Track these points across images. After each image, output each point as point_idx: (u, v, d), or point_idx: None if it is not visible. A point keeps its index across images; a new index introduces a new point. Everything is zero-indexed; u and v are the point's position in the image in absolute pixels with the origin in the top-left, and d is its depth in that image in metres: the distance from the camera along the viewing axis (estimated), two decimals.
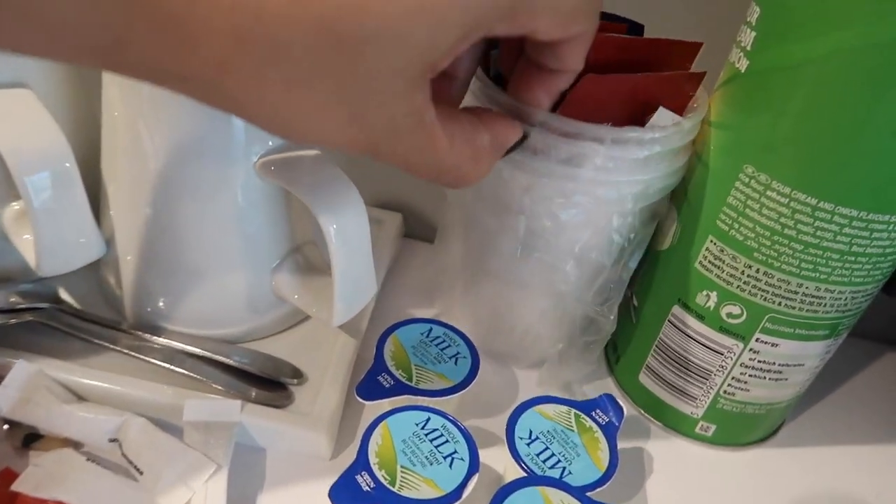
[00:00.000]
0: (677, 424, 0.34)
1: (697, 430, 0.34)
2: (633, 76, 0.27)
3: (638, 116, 0.28)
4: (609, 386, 0.37)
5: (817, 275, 0.28)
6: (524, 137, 0.25)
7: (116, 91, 0.29)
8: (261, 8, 0.16)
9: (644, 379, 0.35)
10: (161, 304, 0.33)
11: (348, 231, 0.29)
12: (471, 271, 0.36)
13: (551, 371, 0.36)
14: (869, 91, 0.23)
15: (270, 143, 0.30)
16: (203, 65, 0.17)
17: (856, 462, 0.35)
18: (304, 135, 0.20)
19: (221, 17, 0.16)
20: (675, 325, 0.32)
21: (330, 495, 0.25)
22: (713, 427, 0.34)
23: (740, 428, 0.34)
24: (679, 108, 0.29)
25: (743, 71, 0.27)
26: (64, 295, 0.34)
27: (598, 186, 0.29)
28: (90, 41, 0.17)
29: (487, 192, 0.31)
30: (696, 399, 0.33)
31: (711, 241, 0.29)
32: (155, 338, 0.33)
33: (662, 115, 0.28)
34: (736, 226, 0.28)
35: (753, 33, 0.27)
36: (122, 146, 0.30)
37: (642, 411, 0.35)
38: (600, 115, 0.27)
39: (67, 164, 0.29)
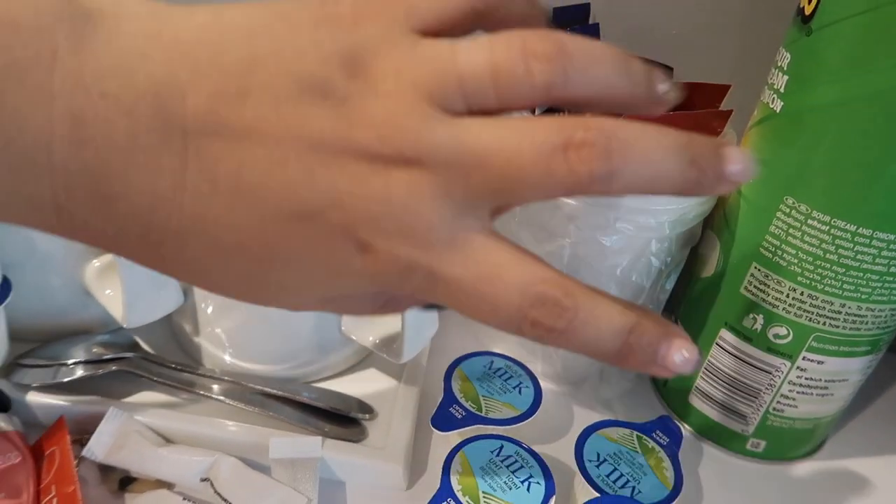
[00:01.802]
0: (729, 442, 0.36)
1: (748, 446, 0.36)
2: (664, 114, 0.30)
3: None
4: (659, 408, 0.39)
5: (859, 295, 0.30)
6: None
7: None
8: (181, 254, 0.17)
9: (694, 400, 0.37)
10: (236, 347, 0.35)
11: None
12: None
13: (593, 388, 0.38)
14: None
15: None
16: (140, 260, 0.18)
17: None
18: (270, 302, 0.20)
19: (146, 247, 0.17)
20: (723, 348, 0.34)
21: None
22: (763, 443, 0.35)
23: (789, 443, 0.36)
24: None
25: (778, 111, 0.30)
26: (141, 343, 0.36)
27: (638, 214, 0.31)
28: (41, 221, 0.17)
29: (534, 219, 0.34)
30: (747, 417, 0.35)
31: (755, 268, 0.32)
32: (230, 380, 0.34)
33: None
34: (779, 252, 0.30)
35: (785, 77, 0.29)
36: None
37: (694, 431, 0.37)
38: None
39: None
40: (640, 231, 0.32)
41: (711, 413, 0.36)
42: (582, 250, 0.33)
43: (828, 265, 0.29)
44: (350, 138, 0.16)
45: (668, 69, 0.35)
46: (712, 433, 0.36)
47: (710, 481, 0.35)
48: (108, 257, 0.35)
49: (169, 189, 0.16)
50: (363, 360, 0.38)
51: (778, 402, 0.34)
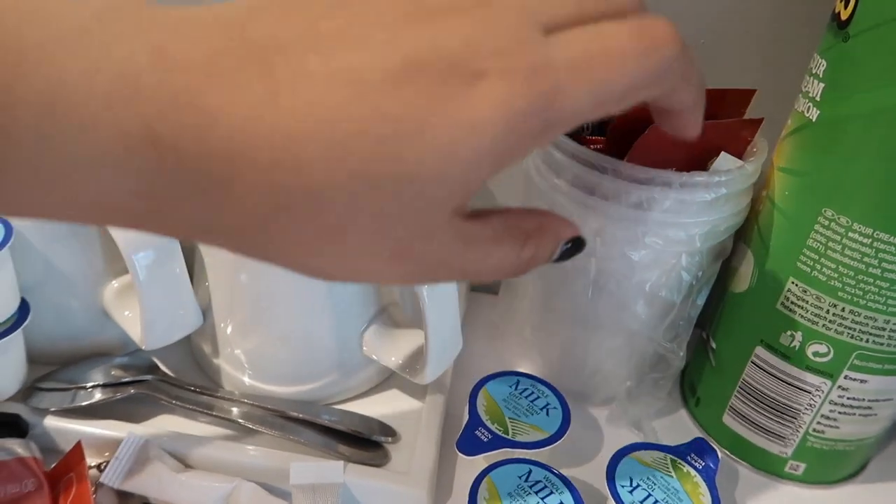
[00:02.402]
0: (766, 465, 0.35)
1: (787, 469, 0.34)
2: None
3: (700, 161, 0.30)
4: (691, 428, 0.37)
5: None
6: (580, 242, 0.24)
7: None
8: (300, 165, 0.16)
9: (728, 420, 0.35)
10: (256, 369, 0.34)
11: (439, 292, 0.30)
12: (541, 314, 0.37)
13: (622, 408, 0.36)
14: None
15: None
16: (242, 222, 0.17)
17: None
18: (348, 277, 0.19)
19: (261, 175, 0.16)
20: (758, 366, 0.33)
21: None
22: (803, 466, 0.34)
23: (831, 465, 0.34)
24: (739, 153, 0.31)
25: (814, 120, 0.28)
26: (160, 365, 0.36)
27: (667, 228, 0.30)
28: (132, 211, 0.17)
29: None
30: (785, 438, 0.33)
31: (793, 283, 0.30)
32: (251, 403, 0.34)
33: (724, 160, 0.30)
34: (818, 266, 0.29)
35: (821, 84, 0.28)
36: None
37: (729, 453, 0.36)
38: (665, 162, 0.29)
39: (169, 241, 0.31)
40: (669, 245, 0.31)
41: (747, 434, 0.34)
42: (609, 266, 0.32)
43: (871, 279, 0.28)
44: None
45: None
46: (749, 455, 0.35)
47: None
48: (126, 278, 0.35)
49: (265, 94, 0.16)
50: (385, 380, 0.37)
51: (818, 422, 0.32)
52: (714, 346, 0.36)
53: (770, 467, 0.35)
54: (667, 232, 0.30)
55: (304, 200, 0.16)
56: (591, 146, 0.30)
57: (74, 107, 0.15)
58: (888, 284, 0.28)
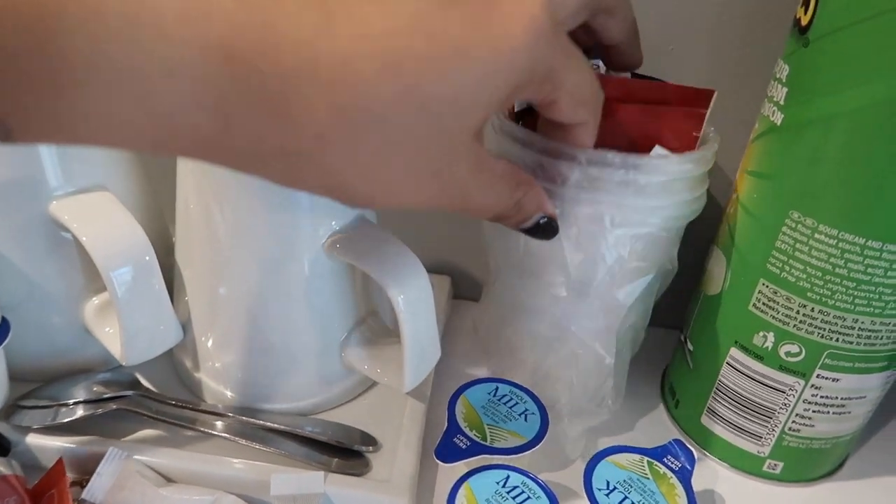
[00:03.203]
0: (744, 464, 0.35)
1: (765, 468, 0.35)
2: (633, 106, 0.29)
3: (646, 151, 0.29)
4: (671, 430, 0.38)
5: (872, 309, 0.29)
6: (553, 227, 0.27)
7: (192, 184, 0.31)
8: (357, 82, 0.18)
9: (707, 421, 0.36)
10: (236, 382, 0.34)
11: (415, 301, 0.30)
12: (496, 306, 0.37)
13: (559, 419, 0.35)
14: None
15: (334, 223, 0.32)
16: (301, 138, 0.18)
17: None
18: (388, 198, 0.21)
19: (321, 91, 0.18)
20: (734, 367, 0.33)
21: None
22: (781, 464, 0.34)
23: (808, 463, 0.34)
24: (685, 148, 0.29)
25: (779, 124, 0.29)
26: (142, 380, 0.36)
27: (578, 205, 0.29)
28: (198, 126, 0.18)
29: None
30: (762, 438, 0.34)
31: (763, 284, 0.31)
32: (231, 415, 0.34)
33: (658, 152, 0.29)
34: (787, 268, 0.30)
35: (785, 89, 0.28)
36: (198, 235, 0.32)
37: (708, 453, 0.36)
38: (607, 142, 0.28)
39: (147, 258, 0.31)
40: (584, 224, 0.30)
41: (725, 434, 0.35)
42: (534, 244, 0.31)
43: (838, 280, 0.28)
44: None
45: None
46: (727, 455, 0.35)
47: None
48: (106, 295, 0.35)
49: (322, 20, 0.17)
50: (365, 390, 0.37)
51: (794, 421, 0.32)
52: (691, 348, 0.36)
53: (748, 467, 0.35)
54: (578, 209, 0.29)
55: (360, 116, 0.18)
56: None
57: (158, 18, 0.16)
58: (854, 284, 0.28)
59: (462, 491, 0.29)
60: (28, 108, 0.16)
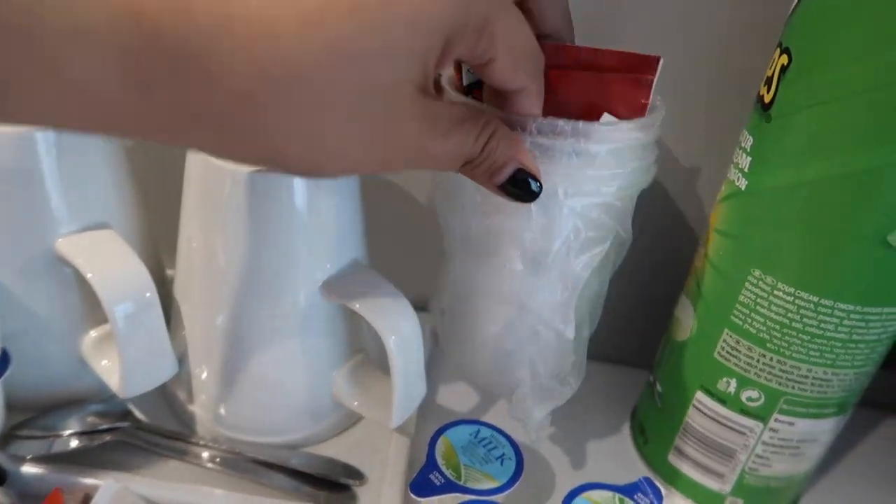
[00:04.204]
0: (708, 501, 0.37)
1: None
2: (579, 73, 0.28)
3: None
4: (640, 467, 0.40)
5: (824, 360, 0.31)
6: (533, 184, 0.25)
7: (197, 224, 0.33)
8: (276, 38, 0.17)
9: (674, 459, 0.38)
10: (229, 415, 0.36)
11: (405, 342, 0.32)
12: (447, 286, 0.36)
13: (522, 402, 0.35)
14: (855, 208, 0.28)
15: (329, 266, 0.33)
16: (226, 100, 0.18)
17: None
18: (333, 163, 0.20)
19: (239, 49, 0.17)
20: (699, 409, 0.36)
21: None
22: (740, 501, 0.37)
23: (765, 501, 0.37)
24: (634, 116, 0.29)
25: (742, 189, 0.32)
26: (135, 411, 0.37)
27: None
28: (115, 96, 0.17)
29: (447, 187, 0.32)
30: (724, 476, 0.36)
31: (727, 334, 0.33)
32: (223, 448, 0.35)
33: (607, 120, 0.29)
34: (749, 320, 0.32)
35: (749, 158, 0.31)
36: (199, 272, 0.34)
37: (674, 489, 0.38)
38: (556, 113, 0.28)
39: (149, 294, 0.32)
40: (541, 197, 0.28)
41: (690, 472, 0.37)
42: (491, 219, 0.31)
43: (794, 332, 0.31)
44: None
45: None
46: (692, 492, 0.38)
47: None
48: (104, 328, 0.36)
49: None
50: (353, 424, 0.38)
51: (753, 461, 0.35)
52: (660, 389, 0.38)
53: (711, 503, 0.37)
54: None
55: (283, 74, 0.17)
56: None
57: None
58: (809, 337, 0.31)
59: None
60: None
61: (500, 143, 0.24)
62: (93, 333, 0.36)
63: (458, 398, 0.42)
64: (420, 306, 0.34)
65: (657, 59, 0.28)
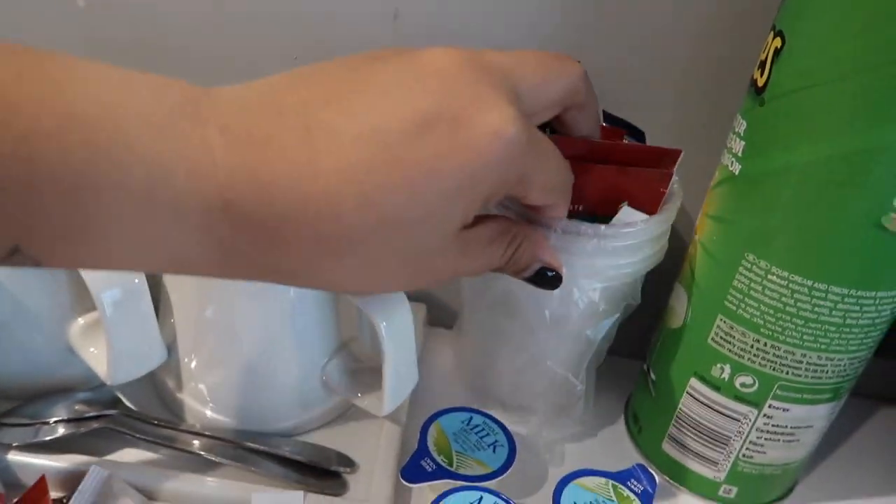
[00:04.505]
0: (701, 489, 0.37)
1: (721, 493, 0.37)
2: (603, 167, 0.31)
3: (614, 205, 0.32)
4: (634, 455, 0.40)
5: (818, 345, 0.31)
6: (557, 277, 0.29)
7: None
8: (338, 217, 0.20)
9: (667, 447, 0.38)
10: (218, 403, 0.35)
11: (398, 329, 0.32)
12: (469, 330, 0.40)
13: (533, 429, 0.39)
14: (847, 191, 0.28)
15: None
16: (291, 263, 0.21)
17: None
18: (379, 290, 0.27)
19: (308, 226, 0.20)
20: (693, 397, 0.35)
21: None
22: (735, 489, 0.36)
23: (760, 489, 0.37)
24: (652, 204, 0.32)
25: (736, 174, 0.31)
26: (123, 399, 0.36)
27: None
28: (204, 261, 0.21)
29: None
30: (718, 464, 0.36)
31: (721, 320, 0.33)
32: (212, 435, 0.35)
33: (626, 212, 0.32)
34: (743, 305, 0.32)
35: (742, 142, 0.31)
36: None
37: (668, 478, 0.38)
38: (576, 199, 0.30)
39: (137, 280, 0.32)
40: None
41: (684, 460, 0.37)
42: (513, 286, 0.33)
43: (788, 317, 0.31)
44: None
45: (640, 132, 0.37)
46: (686, 480, 0.37)
47: None
48: (92, 316, 0.36)
49: (306, 159, 0.20)
50: (343, 413, 0.38)
51: (747, 448, 0.35)
52: (654, 378, 0.38)
53: (705, 491, 0.37)
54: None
55: (343, 243, 0.21)
56: None
57: (170, 176, 0.18)
58: (803, 322, 0.31)
59: None
60: (55, 248, 0.19)
61: (524, 249, 0.27)
62: (80, 321, 0.35)
63: (450, 387, 0.42)
64: (412, 296, 0.34)
65: (678, 153, 0.32)
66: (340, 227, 0.20)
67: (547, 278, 0.28)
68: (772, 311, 0.31)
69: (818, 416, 0.34)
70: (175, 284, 0.34)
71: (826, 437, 0.37)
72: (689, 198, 0.38)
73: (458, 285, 0.40)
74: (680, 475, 0.38)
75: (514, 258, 0.27)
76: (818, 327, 0.31)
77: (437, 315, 0.47)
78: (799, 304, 0.30)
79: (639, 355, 0.41)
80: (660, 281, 0.38)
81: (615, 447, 0.40)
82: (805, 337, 0.31)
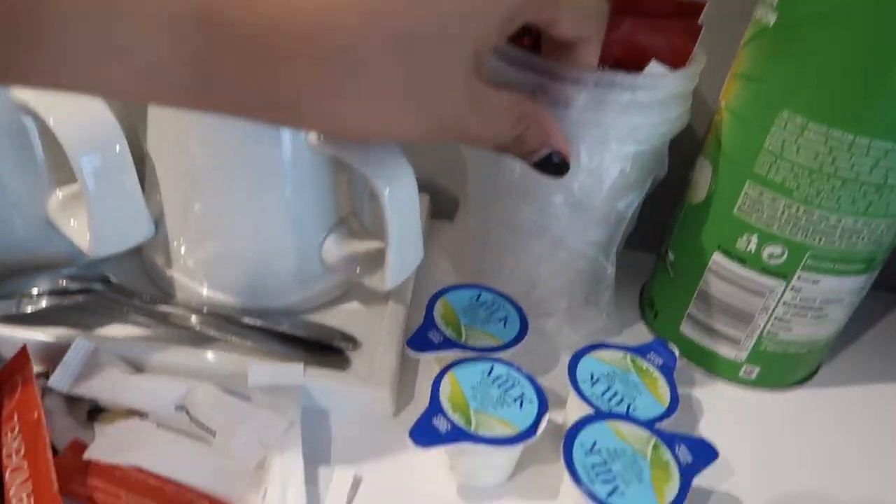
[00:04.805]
0: (721, 370, 0.35)
1: (741, 374, 0.35)
2: (629, 19, 0.29)
3: (640, 65, 0.30)
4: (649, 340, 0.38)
5: (855, 208, 0.29)
6: (563, 164, 0.27)
7: None
8: (336, 29, 0.18)
9: (685, 328, 0.36)
10: (211, 280, 0.33)
11: (401, 196, 0.30)
12: (479, 222, 0.37)
13: (558, 328, 0.37)
14: (893, 31, 0.25)
15: None
16: (285, 88, 0.19)
17: (891, 400, 0.36)
18: (381, 137, 0.22)
19: (300, 41, 0.18)
20: (716, 273, 0.33)
21: (411, 436, 0.26)
22: (756, 369, 0.35)
23: (782, 369, 0.35)
24: (678, 62, 0.30)
25: (771, 25, 0.29)
26: (111, 278, 0.34)
27: (584, 127, 0.29)
28: (179, 80, 0.18)
29: None
30: (740, 342, 0.34)
31: (750, 187, 0.31)
32: (207, 311, 0.33)
33: (654, 67, 0.30)
34: (774, 168, 0.30)
35: None
36: (172, 127, 0.31)
37: (686, 361, 0.36)
38: (604, 55, 0.28)
39: (118, 145, 0.30)
40: (588, 146, 0.30)
41: (704, 341, 0.35)
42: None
43: (824, 178, 0.29)
44: None
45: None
46: (705, 361, 0.36)
47: (702, 410, 0.34)
48: (72, 188, 0.33)
49: None
50: (345, 293, 0.36)
51: (772, 325, 0.33)
52: (672, 258, 0.36)
53: (725, 372, 0.35)
54: (584, 132, 0.29)
55: (342, 66, 0.18)
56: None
57: None
58: (840, 183, 0.28)
59: (447, 378, 0.28)
60: (7, 58, 0.17)
61: (535, 131, 0.25)
62: (59, 193, 0.33)
63: (456, 268, 0.40)
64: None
65: (702, 5, 0.30)
66: (341, 41, 0.18)
67: (553, 164, 0.26)
68: (807, 173, 0.29)
69: (849, 289, 0.32)
70: (159, 151, 0.32)
71: (851, 325, 0.35)
72: (704, 90, 0.35)
73: (463, 171, 0.37)
74: (699, 357, 0.36)
75: (524, 137, 0.25)
76: (856, 188, 0.28)
77: (442, 207, 0.45)
78: (837, 162, 0.28)
79: (651, 248, 0.39)
80: (681, 157, 0.35)
81: (630, 335, 0.38)
82: (842, 200, 0.29)
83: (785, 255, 0.31)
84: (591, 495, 0.24)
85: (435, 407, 0.27)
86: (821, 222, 0.30)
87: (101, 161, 0.29)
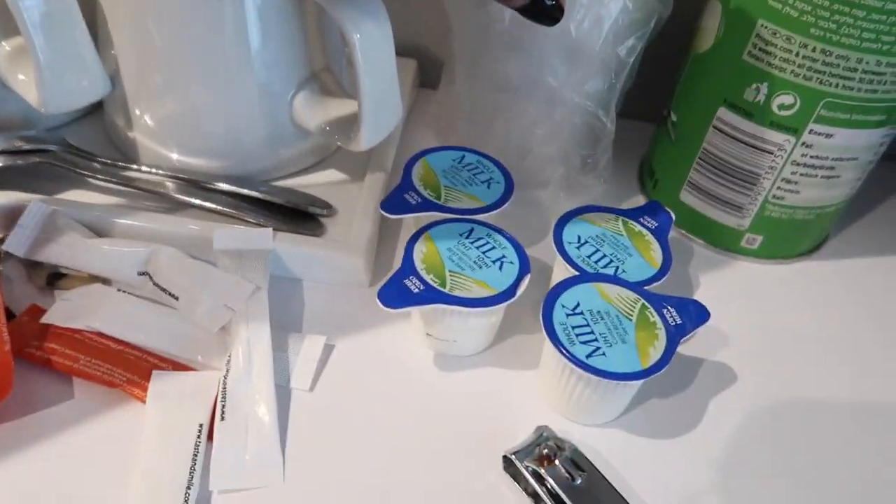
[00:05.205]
0: (722, 240, 0.33)
1: (743, 243, 0.33)
2: None
3: None
4: None
5: (879, 46, 0.26)
6: (558, 8, 0.23)
7: None
8: None
9: (686, 196, 0.33)
10: (175, 140, 0.31)
11: (374, 43, 0.27)
12: (468, 83, 0.34)
13: (555, 196, 0.34)
14: None
15: None
16: None
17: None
18: None
19: None
20: (719, 130, 0.30)
21: (379, 297, 0.24)
22: (760, 238, 0.33)
23: (787, 238, 0.33)
24: None
25: None
26: (71, 141, 0.32)
27: None
28: None
29: None
30: (743, 208, 0.32)
31: (762, 26, 0.27)
32: (171, 175, 0.31)
33: None
34: (791, 1, 0.26)
35: None
36: None
37: (684, 231, 0.34)
38: None
39: None
40: None
41: (704, 208, 0.33)
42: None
43: (847, 9, 0.25)
44: None
45: None
46: (705, 231, 0.34)
47: (699, 283, 0.32)
48: (19, 40, 0.30)
49: None
50: (324, 160, 0.34)
51: (779, 187, 0.30)
52: (674, 119, 0.33)
53: (726, 242, 0.33)
54: None
55: None
56: None
57: None
58: (864, 13, 0.25)
59: (423, 239, 0.26)
60: None
61: None
62: (6, 45, 0.30)
63: (439, 134, 0.38)
64: (399, 51, 0.28)
65: None
66: None
67: (545, 8, 0.23)
68: (827, 4, 0.25)
69: (864, 144, 0.29)
70: (113, 5, 0.29)
71: (860, 198, 0.32)
72: None
73: (450, 34, 0.34)
74: (699, 226, 0.34)
75: None
76: (882, 19, 0.25)
77: (429, 75, 0.42)
78: None
79: (652, 118, 0.36)
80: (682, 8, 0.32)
81: (625, 202, 0.36)
82: (865, 34, 0.26)
83: (797, 105, 0.28)
84: (569, 355, 0.23)
85: (407, 268, 0.25)
86: (839, 63, 0.27)
87: (44, 6, 0.26)
